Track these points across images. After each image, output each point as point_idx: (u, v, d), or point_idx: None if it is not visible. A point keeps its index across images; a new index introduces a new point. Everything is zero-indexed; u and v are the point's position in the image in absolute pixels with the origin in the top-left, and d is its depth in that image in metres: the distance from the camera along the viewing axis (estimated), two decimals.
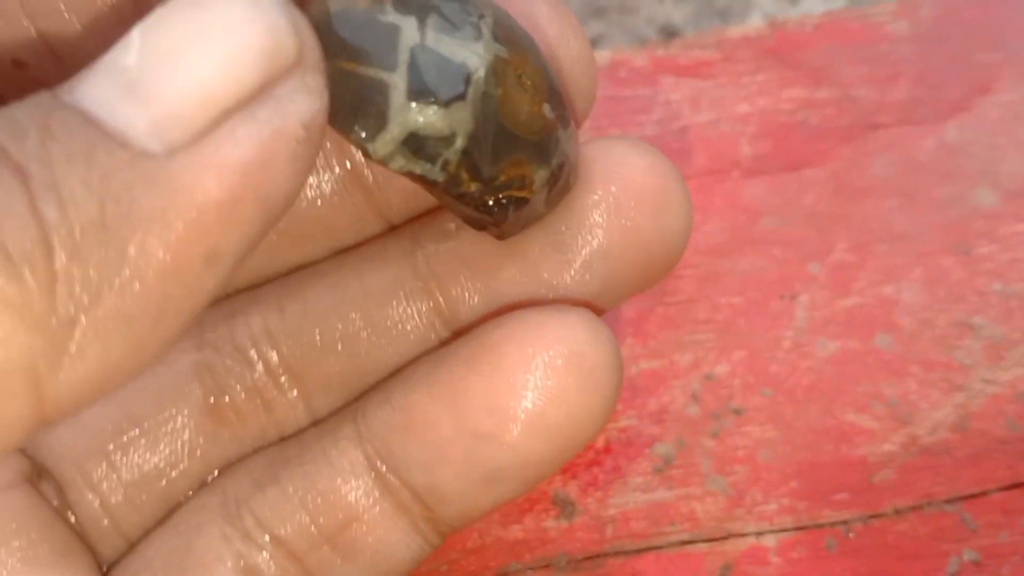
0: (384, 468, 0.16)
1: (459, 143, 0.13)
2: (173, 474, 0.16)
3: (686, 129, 0.24)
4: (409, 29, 0.12)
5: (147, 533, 0.16)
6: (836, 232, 0.23)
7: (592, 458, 0.21)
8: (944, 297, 0.22)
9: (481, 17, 0.13)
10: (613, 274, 0.15)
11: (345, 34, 0.12)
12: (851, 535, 0.20)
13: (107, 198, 0.10)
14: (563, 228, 0.15)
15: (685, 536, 0.20)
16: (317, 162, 0.15)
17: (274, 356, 0.16)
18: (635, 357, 0.22)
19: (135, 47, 0.10)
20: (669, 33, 0.30)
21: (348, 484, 0.16)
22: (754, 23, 0.31)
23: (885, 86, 0.25)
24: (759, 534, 0.20)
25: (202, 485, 0.16)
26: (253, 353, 0.16)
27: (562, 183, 0.14)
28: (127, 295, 0.10)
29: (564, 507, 0.21)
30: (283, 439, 0.17)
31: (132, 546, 0.16)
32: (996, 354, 0.22)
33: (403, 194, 0.16)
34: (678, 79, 0.25)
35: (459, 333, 0.16)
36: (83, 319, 0.10)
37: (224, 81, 0.10)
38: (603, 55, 0.25)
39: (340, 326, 0.16)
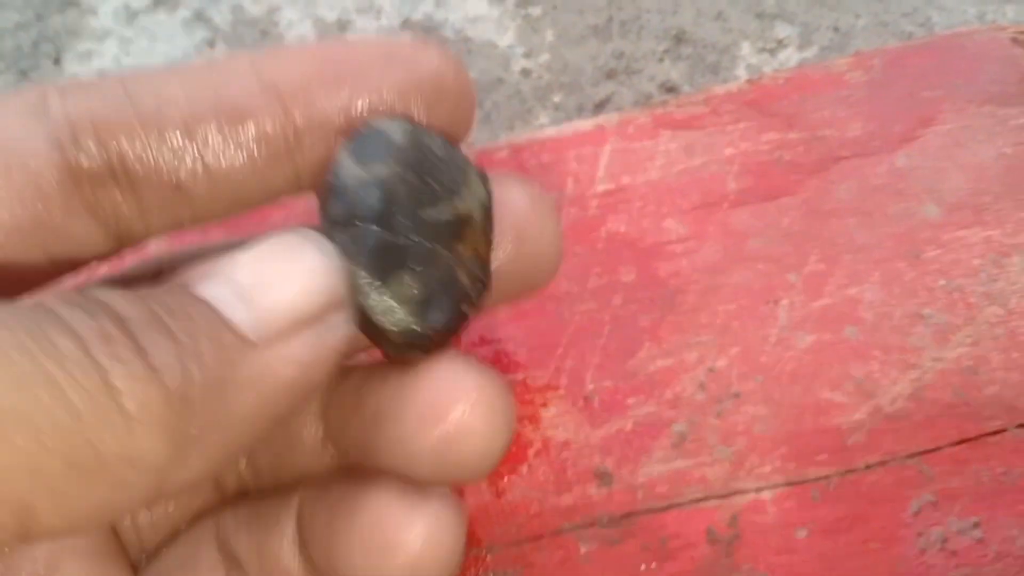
0: None
1: None
2: None
3: (683, 172, 0.29)
4: None
5: None
6: (809, 248, 0.28)
7: (624, 439, 0.26)
8: (899, 294, 0.27)
9: None
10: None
11: None
12: (831, 487, 0.25)
13: (224, 364, 0.14)
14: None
15: (699, 495, 0.25)
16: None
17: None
18: (652, 357, 0.27)
19: (247, 269, 0.15)
20: (668, 88, 0.36)
21: None
22: (740, 73, 0.36)
23: (845, 125, 0.30)
24: (758, 490, 0.25)
25: None
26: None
27: None
28: (224, 431, 0.14)
29: (603, 478, 0.25)
30: None
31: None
32: (943, 337, 0.27)
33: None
34: (675, 131, 0.30)
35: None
36: (198, 442, 0.14)
37: (303, 304, 0.15)
38: (612, 117, 0.30)
39: None
